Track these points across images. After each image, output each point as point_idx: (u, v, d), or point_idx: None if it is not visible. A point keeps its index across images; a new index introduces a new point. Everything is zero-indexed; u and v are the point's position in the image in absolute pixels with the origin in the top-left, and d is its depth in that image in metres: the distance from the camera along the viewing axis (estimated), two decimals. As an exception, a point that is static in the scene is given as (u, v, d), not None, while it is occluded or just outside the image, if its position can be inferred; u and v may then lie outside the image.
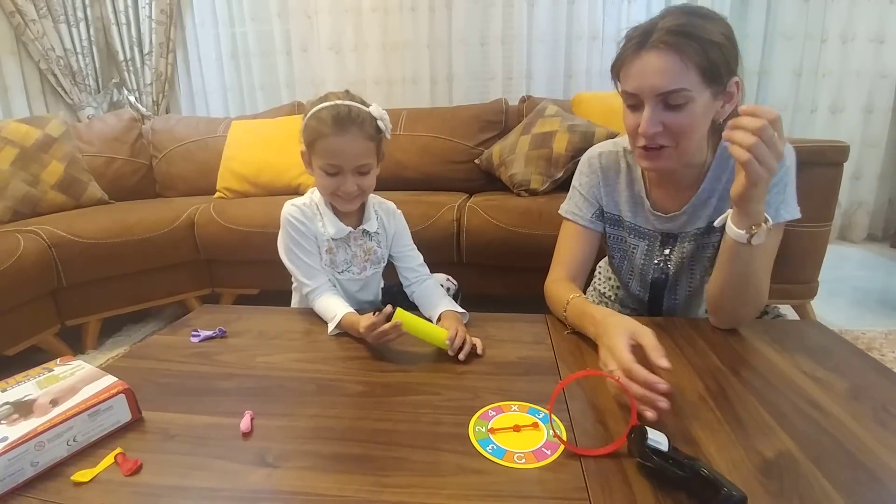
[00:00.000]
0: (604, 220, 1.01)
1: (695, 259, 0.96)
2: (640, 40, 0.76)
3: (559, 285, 0.96)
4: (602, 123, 1.90)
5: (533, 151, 1.91)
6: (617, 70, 0.81)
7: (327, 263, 1.06)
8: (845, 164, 1.58)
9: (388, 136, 1.00)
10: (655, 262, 0.98)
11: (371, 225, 1.07)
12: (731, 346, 0.85)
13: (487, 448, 0.60)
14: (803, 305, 1.75)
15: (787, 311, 1.86)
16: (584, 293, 0.98)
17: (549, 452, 0.59)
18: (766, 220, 0.74)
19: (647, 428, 0.55)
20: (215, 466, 0.59)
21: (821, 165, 1.55)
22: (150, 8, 2.73)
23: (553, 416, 0.63)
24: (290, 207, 1.03)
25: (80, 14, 2.69)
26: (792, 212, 0.85)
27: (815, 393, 0.70)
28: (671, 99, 0.75)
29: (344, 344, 0.91)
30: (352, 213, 1.06)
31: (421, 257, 1.14)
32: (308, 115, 0.96)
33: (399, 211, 1.15)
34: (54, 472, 0.58)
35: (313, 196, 1.06)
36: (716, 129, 0.84)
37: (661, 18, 0.76)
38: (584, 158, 1.02)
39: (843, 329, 1.73)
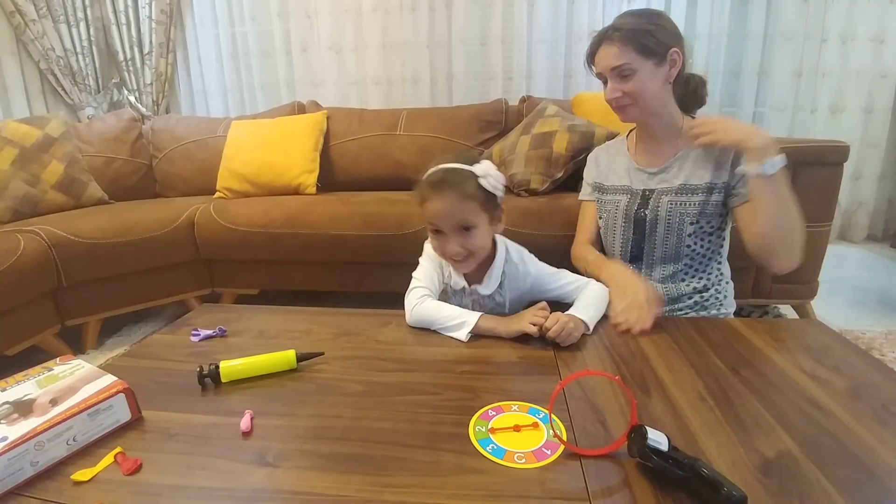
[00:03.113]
0: (595, 195, 1.28)
1: (671, 219, 1.11)
2: (598, 40, 1.10)
3: (582, 247, 1.27)
4: (602, 123, 1.89)
5: (533, 151, 1.91)
6: (589, 62, 1.14)
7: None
8: (845, 164, 1.58)
9: (500, 194, 0.98)
10: (635, 210, 1.16)
11: (486, 289, 1.04)
12: (731, 345, 0.85)
13: (487, 448, 0.60)
14: (803, 305, 1.74)
15: (787, 311, 1.86)
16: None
17: (549, 452, 0.59)
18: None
19: (647, 428, 0.55)
20: (215, 466, 0.59)
21: (821, 165, 1.55)
22: (150, 8, 2.73)
23: (553, 416, 0.63)
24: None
25: (80, 14, 2.69)
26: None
27: (816, 392, 0.70)
28: (621, 71, 1.05)
29: (343, 343, 0.91)
30: (476, 266, 1.03)
31: (563, 274, 1.06)
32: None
33: (529, 263, 1.07)
34: (54, 471, 0.58)
35: None
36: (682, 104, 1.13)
37: (611, 23, 1.08)
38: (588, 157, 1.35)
39: (843, 329, 1.72)
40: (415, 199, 1.01)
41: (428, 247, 1.09)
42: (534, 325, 0.87)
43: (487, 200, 0.96)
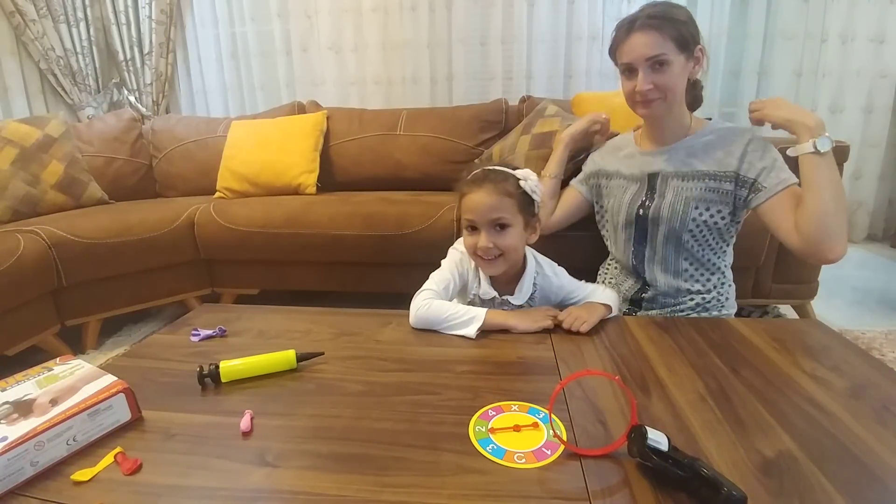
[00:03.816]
0: (591, 181, 1.29)
1: (675, 204, 1.08)
2: (628, 27, 1.03)
3: None
4: (602, 123, 1.89)
5: (533, 151, 1.91)
6: (613, 51, 1.08)
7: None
8: (845, 164, 1.58)
9: (537, 199, 1.00)
10: (640, 200, 1.14)
11: (517, 299, 1.03)
12: (731, 345, 0.85)
13: (487, 448, 0.60)
14: (803, 305, 1.74)
15: (787, 311, 1.86)
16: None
17: (549, 452, 0.59)
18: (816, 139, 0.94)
19: (647, 428, 0.55)
20: (215, 466, 0.59)
21: (821, 165, 1.55)
22: (150, 8, 2.73)
23: (553, 416, 0.63)
24: (461, 247, 1.06)
25: (80, 14, 2.69)
26: (788, 177, 1.01)
27: (816, 392, 0.70)
28: (657, 61, 1.00)
29: (344, 343, 0.91)
30: (506, 277, 1.03)
31: (585, 284, 1.07)
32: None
33: (561, 276, 1.07)
34: (54, 471, 0.58)
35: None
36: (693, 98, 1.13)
37: (640, 10, 1.03)
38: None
39: (843, 329, 1.72)
40: (455, 199, 1.03)
41: (452, 253, 1.08)
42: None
43: (525, 203, 0.98)
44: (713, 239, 1.10)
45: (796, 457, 0.56)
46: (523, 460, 0.58)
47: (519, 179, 0.97)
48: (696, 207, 1.07)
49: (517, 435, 0.62)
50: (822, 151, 0.93)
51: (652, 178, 1.13)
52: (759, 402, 0.68)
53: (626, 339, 0.90)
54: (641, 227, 1.15)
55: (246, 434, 0.64)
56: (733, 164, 1.04)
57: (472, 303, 1.07)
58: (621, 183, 1.19)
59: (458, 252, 1.07)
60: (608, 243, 1.28)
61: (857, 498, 0.50)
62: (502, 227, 0.96)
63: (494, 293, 1.04)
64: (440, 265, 1.08)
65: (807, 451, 0.57)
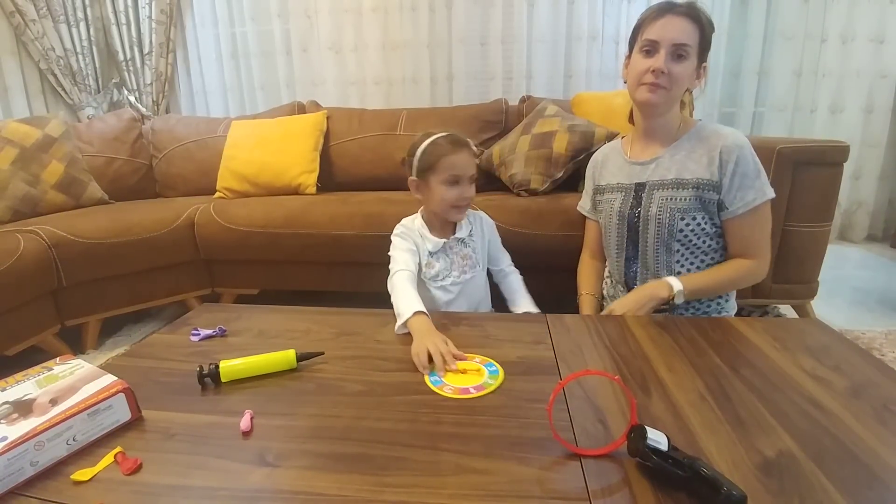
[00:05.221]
0: (594, 201, 1.29)
1: (661, 214, 1.09)
2: (662, 8, 1.03)
3: (584, 268, 1.34)
4: (602, 123, 1.89)
5: (533, 151, 1.91)
6: (638, 27, 1.06)
7: (426, 276, 1.21)
8: (845, 164, 1.58)
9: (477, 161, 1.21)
10: (630, 207, 1.16)
11: (462, 232, 1.23)
12: (731, 344, 0.85)
13: (432, 379, 0.76)
14: (803, 305, 1.74)
15: (787, 311, 1.86)
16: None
17: (472, 391, 0.72)
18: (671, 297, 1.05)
19: (647, 428, 0.55)
20: (215, 466, 0.59)
21: (821, 165, 1.55)
22: (150, 8, 2.73)
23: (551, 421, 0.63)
24: (401, 222, 1.26)
25: (80, 14, 2.69)
26: (767, 192, 1.05)
27: (816, 391, 0.70)
28: (680, 50, 1.00)
29: (343, 343, 0.91)
30: (446, 226, 1.23)
31: (508, 256, 1.36)
32: (421, 148, 1.16)
33: (487, 216, 1.34)
34: (54, 471, 0.58)
35: (415, 221, 1.25)
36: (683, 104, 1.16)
37: (676, 2, 1.03)
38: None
39: (843, 329, 1.72)
40: (428, 158, 1.15)
41: (397, 240, 1.21)
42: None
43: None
44: (705, 244, 1.10)
45: (796, 456, 0.56)
46: (449, 389, 0.73)
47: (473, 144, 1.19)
48: (683, 218, 1.07)
49: (462, 375, 0.77)
50: (681, 299, 1.05)
51: (639, 188, 1.14)
52: (759, 401, 0.68)
53: (626, 338, 0.90)
54: (633, 239, 1.16)
55: (246, 434, 0.64)
56: (716, 174, 1.04)
57: (429, 264, 1.22)
58: (610, 197, 1.20)
59: (398, 238, 1.21)
60: (606, 253, 1.28)
61: (857, 498, 0.50)
62: (473, 182, 1.18)
63: (443, 240, 1.21)
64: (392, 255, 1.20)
65: (807, 451, 0.57)
